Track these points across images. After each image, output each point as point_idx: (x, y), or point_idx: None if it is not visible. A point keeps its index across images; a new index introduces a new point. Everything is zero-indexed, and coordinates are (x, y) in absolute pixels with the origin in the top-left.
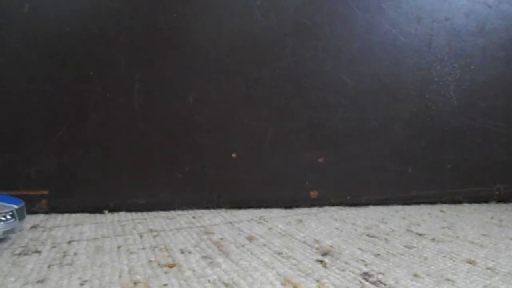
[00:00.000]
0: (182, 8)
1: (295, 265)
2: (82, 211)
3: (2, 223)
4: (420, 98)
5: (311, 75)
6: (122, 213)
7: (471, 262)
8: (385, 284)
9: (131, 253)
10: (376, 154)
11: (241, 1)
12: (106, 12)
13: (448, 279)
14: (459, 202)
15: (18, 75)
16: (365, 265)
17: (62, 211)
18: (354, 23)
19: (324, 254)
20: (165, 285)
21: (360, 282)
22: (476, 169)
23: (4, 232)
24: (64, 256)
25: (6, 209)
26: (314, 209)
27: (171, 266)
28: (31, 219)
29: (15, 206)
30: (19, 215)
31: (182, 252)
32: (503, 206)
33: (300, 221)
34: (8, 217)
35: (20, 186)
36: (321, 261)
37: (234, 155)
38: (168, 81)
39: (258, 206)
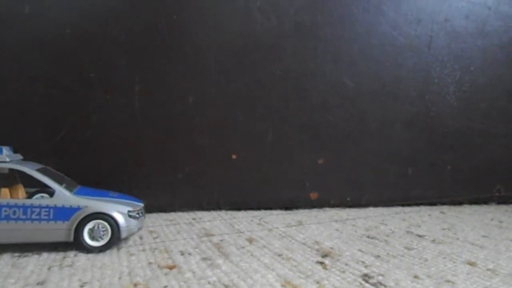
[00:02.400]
0: (183, 9)
1: (295, 266)
2: None
3: (137, 220)
4: (420, 99)
5: (311, 76)
6: None
7: (472, 264)
8: (385, 286)
9: (131, 254)
10: (376, 155)
11: (241, 2)
12: (107, 14)
13: (448, 281)
14: (459, 203)
15: (19, 76)
16: (365, 266)
17: None
18: (354, 24)
19: (324, 255)
20: (165, 286)
21: (360, 283)
22: (476, 170)
23: (138, 228)
24: (64, 257)
25: (138, 207)
26: (314, 211)
27: (171, 267)
28: None
29: (142, 205)
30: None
31: (182, 254)
32: (503, 207)
33: (300, 222)
34: (140, 214)
35: None
36: (321, 263)
37: (234, 156)
38: (169, 82)
39: (258, 207)
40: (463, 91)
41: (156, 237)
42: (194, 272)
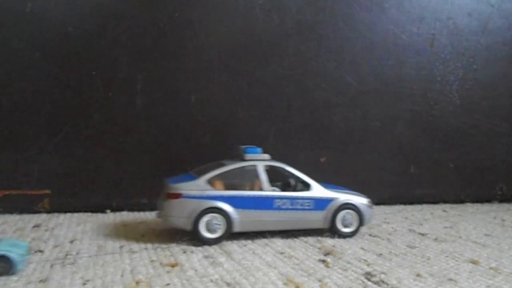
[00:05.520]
0: (185, 7)
1: (297, 264)
2: (85, 211)
3: (372, 210)
4: (422, 97)
5: (313, 75)
6: (125, 213)
7: (474, 262)
8: (387, 284)
9: (133, 252)
10: (379, 154)
11: (244, 1)
12: (108, 12)
13: (451, 279)
14: (462, 201)
15: (21, 74)
16: (368, 264)
17: (64, 211)
18: (356, 23)
19: (327, 253)
20: (168, 284)
21: (363, 281)
22: (479, 169)
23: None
24: (67, 255)
25: (370, 199)
26: None
27: (173, 265)
28: (33, 218)
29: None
30: None
31: (184, 252)
32: (506, 206)
33: None
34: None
35: (23, 185)
36: (324, 261)
37: None
38: (170, 80)
39: None
40: (466, 89)
41: (158, 235)
42: (196, 270)
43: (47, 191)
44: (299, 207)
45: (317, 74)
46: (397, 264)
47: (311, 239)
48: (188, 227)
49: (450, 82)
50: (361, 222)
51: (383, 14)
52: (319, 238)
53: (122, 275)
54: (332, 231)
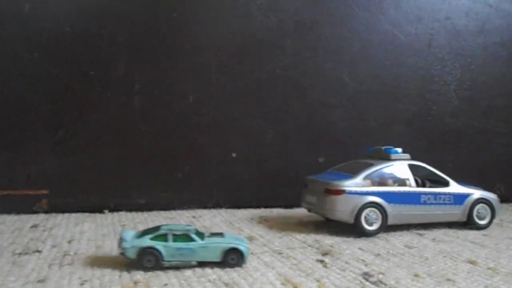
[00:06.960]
0: (182, 8)
1: (295, 265)
2: (82, 211)
3: (499, 203)
4: (420, 97)
5: (311, 75)
6: (123, 213)
7: (472, 262)
8: (385, 284)
9: None
10: None
11: (241, 1)
12: (106, 12)
13: (449, 279)
14: None
15: (18, 74)
16: (366, 265)
17: (62, 211)
18: (354, 23)
19: (325, 254)
20: (165, 284)
21: (361, 282)
22: (477, 169)
23: None
24: (65, 255)
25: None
26: None
27: None
28: (31, 219)
29: None
30: None
31: None
32: (504, 206)
33: (300, 220)
34: None
35: (20, 186)
36: (322, 261)
37: (234, 155)
38: (168, 81)
39: (258, 205)
40: (464, 90)
41: None
42: (194, 270)
43: (45, 191)
44: (441, 202)
45: (314, 74)
46: (395, 264)
47: (309, 239)
48: (351, 220)
49: (448, 82)
50: (493, 215)
51: (381, 15)
52: (317, 238)
53: (120, 275)
54: (469, 224)
